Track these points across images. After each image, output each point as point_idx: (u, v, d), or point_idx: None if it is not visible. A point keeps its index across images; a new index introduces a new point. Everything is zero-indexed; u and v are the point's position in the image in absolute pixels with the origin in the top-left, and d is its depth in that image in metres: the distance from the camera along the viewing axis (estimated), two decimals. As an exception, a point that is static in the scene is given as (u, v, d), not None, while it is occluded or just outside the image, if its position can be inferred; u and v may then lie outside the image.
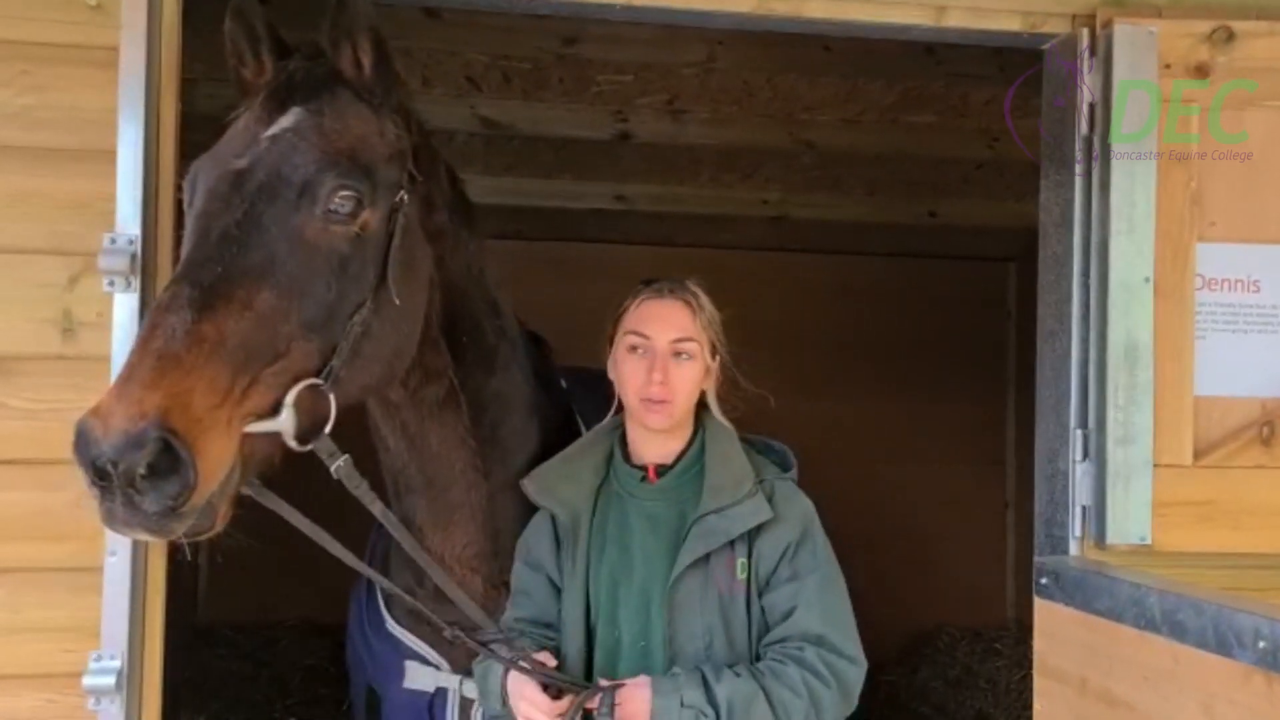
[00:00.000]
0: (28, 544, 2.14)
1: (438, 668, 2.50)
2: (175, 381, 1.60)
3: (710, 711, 2.04)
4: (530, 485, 2.34)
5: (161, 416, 1.56)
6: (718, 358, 2.32)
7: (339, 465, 1.90)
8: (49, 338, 2.18)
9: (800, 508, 2.28)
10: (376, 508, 2.03)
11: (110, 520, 1.61)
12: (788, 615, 2.17)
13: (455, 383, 2.32)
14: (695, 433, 2.32)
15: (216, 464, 1.65)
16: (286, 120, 1.95)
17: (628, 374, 2.25)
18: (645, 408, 2.23)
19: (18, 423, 2.15)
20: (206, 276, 1.75)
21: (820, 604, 2.18)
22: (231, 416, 1.68)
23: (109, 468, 1.54)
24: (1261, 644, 1.71)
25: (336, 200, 1.89)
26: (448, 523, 2.41)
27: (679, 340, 2.24)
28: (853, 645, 2.19)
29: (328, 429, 1.86)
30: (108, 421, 1.54)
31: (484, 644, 2.20)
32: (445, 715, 2.48)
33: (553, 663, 2.17)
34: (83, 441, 1.55)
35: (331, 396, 1.85)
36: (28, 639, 2.16)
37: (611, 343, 2.33)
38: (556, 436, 2.49)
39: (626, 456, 2.33)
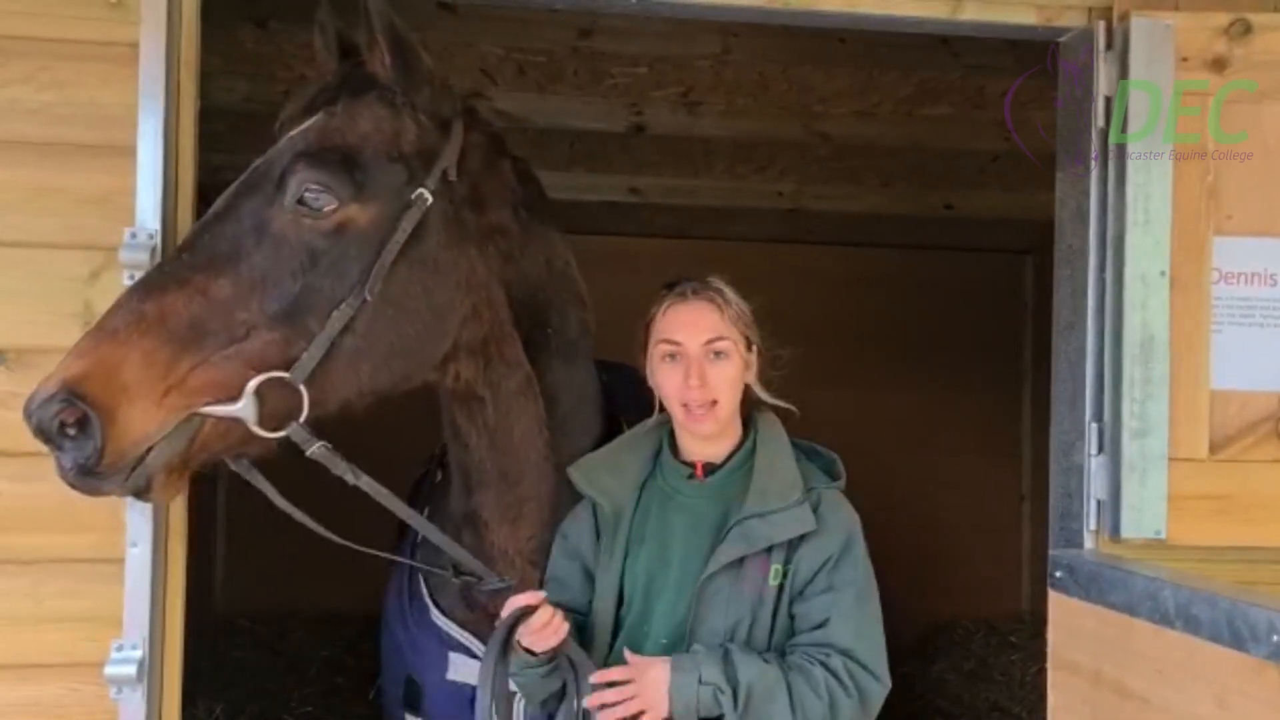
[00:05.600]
0: (51, 535, 2.17)
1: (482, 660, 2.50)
2: (105, 353, 1.77)
3: (728, 689, 2.03)
4: (576, 473, 2.34)
5: (76, 382, 1.73)
6: (754, 349, 2.30)
7: (316, 449, 1.96)
8: (71, 331, 2.18)
9: (845, 519, 2.24)
10: (363, 481, 2.05)
11: (58, 473, 1.79)
12: (820, 625, 2.15)
13: (534, 374, 2.33)
14: (747, 433, 2.31)
15: (132, 429, 1.77)
16: (308, 122, 2.02)
17: (665, 381, 2.24)
18: (689, 415, 2.21)
19: (40, 415, 2.18)
20: (172, 263, 1.90)
21: (855, 619, 2.15)
22: (170, 391, 1.80)
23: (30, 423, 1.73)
24: (1275, 638, 1.71)
25: (308, 194, 1.94)
26: (516, 516, 2.41)
27: (711, 341, 2.22)
28: (880, 664, 2.16)
29: (302, 418, 1.92)
30: (40, 385, 1.75)
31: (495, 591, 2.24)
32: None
33: (541, 597, 2.14)
34: (25, 402, 1.75)
35: (303, 390, 1.90)
36: (51, 629, 2.19)
37: (645, 350, 2.31)
38: (610, 428, 2.51)
39: (675, 452, 2.33)
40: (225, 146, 4.06)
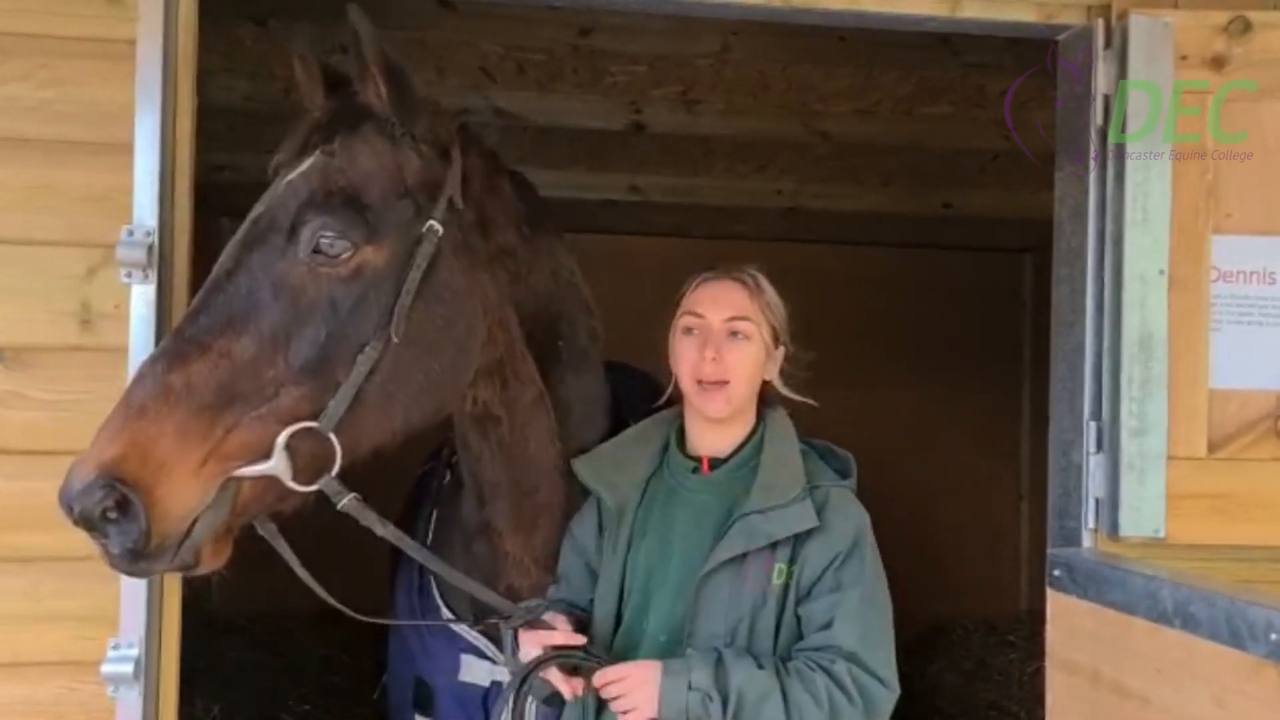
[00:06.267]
0: (48, 533, 2.14)
1: (494, 661, 2.49)
2: (136, 432, 1.72)
3: (717, 696, 1.98)
4: (581, 467, 2.31)
5: (113, 466, 1.68)
6: (781, 346, 2.28)
7: (347, 502, 1.92)
8: (68, 329, 2.20)
9: (853, 519, 2.19)
10: (390, 533, 2.03)
11: (103, 559, 1.76)
12: (824, 627, 2.09)
13: (545, 386, 2.32)
14: (756, 428, 2.28)
15: (175, 506, 1.73)
16: (305, 164, 1.98)
17: (682, 355, 2.21)
18: (701, 392, 2.18)
19: (37, 413, 2.18)
20: (190, 327, 1.84)
21: (859, 620, 2.09)
22: (206, 460, 1.76)
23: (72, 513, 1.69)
24: (1273, 636, 1.72)
25: (322, 242, 1.90)
26: (530, 526, 2.40)
27: (733, 319, 2.19)
28: (886, 668, 2.09)
29: (334, 471, 1.88)
30: (74, 471, 1.70)
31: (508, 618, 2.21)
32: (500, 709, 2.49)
33: (562, 624, 2.15)
34: (60, 491, 1.69)
35: (334, 439, 1.87)
36: (48, 628, 2.19)
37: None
38: (616, 429, 2.49)
39: (682, 447, 2.30)
40: (225, 145, 4.08)
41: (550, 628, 2.15)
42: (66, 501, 1.70)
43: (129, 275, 2.16)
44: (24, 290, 2.20)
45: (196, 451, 1.75)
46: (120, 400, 1.78)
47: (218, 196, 3.40)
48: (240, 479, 1.81)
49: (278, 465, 1.81)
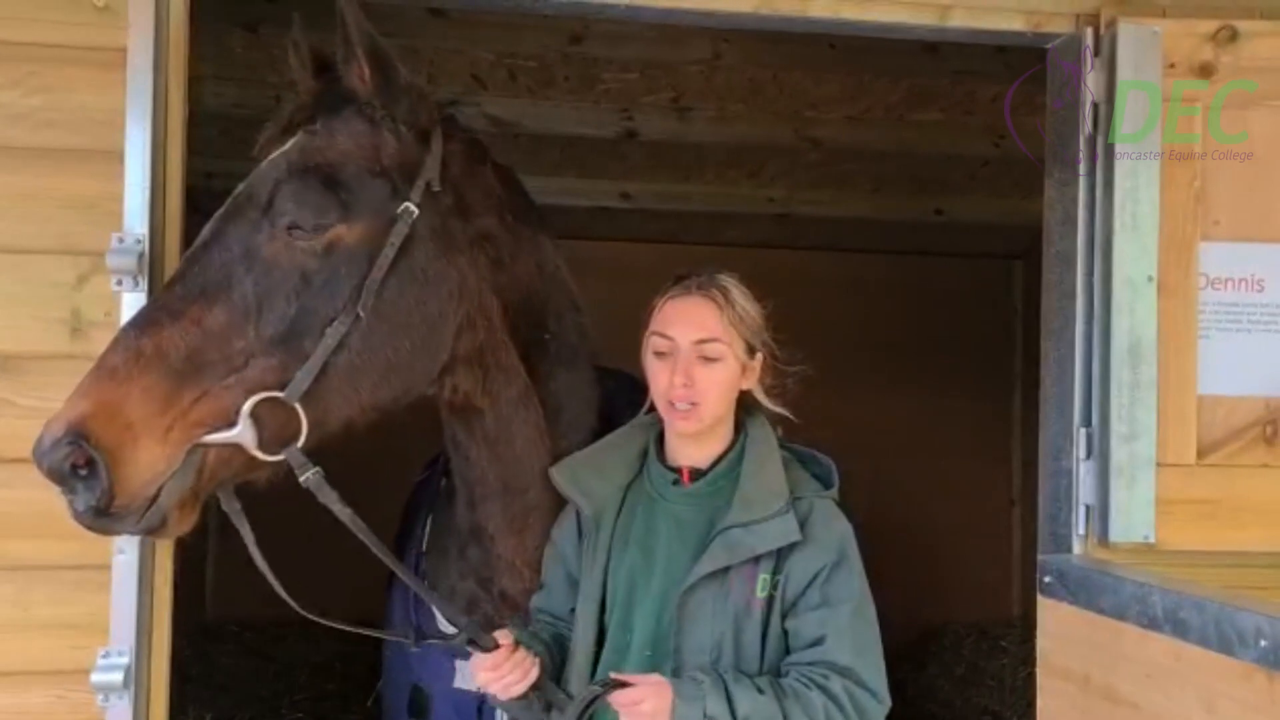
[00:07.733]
0: (37, 541, 2.16)
1: None
2: (106, 392, 1.76)
3: None
4: (558, 474, 2.28)
5: (79, 424, 1.73)
6: (758, 356, 2.24)
7: (308, 477, 1.93)
8: (58, 337, 2.20)
9: (838, 531, 2.16)
10: (345, 514, 1.99)
11: (70, 515, 1.79)
12: (816, 643, 2.07)
13: (534, 381, 2.31)
14: (736, 438, 2.25)
15: (140, 469, 1.77)
16: (288, 143, 2.02)
17: (653, 377, 2.20)
18: (672, 413, 2.17)
19: (27, 421, 2.14)
20: (167, 296, 1.89)
21: (852, 635, 2.07)
22: (173, 425, 1.80)
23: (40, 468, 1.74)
24: (1263, 642, 1.72)
25: (297, 216, 1.93)
26: (522, 527, 2.38)
27: (702, 341, 2.15)
28: (880, 682, 2.08)
29: (300, 443, 1.90)
30: (46, 428, 1.75)
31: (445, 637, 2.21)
32: (495, 715, 2.48)
33: (508, 640, 2.09)
34: (33, 447, 1.74)
35: (299, 409, 1.89)
36: (37, 636, 2.18)
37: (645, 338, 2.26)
38: (608, 432, 2.48)
39: (662, 456, 2.27)
40: (216, 151, 4.06)
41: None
42: (36, 457, 1.74)
43: (119, 283, 2.15)
44: (14, 298, 2.19)
45: (163, 415, 1.79)
46: (96, 363, 1.82)
47: (208, 203, 3.37)
48: (206, 446, 1.84)
49: (242, 433, 1.84)
